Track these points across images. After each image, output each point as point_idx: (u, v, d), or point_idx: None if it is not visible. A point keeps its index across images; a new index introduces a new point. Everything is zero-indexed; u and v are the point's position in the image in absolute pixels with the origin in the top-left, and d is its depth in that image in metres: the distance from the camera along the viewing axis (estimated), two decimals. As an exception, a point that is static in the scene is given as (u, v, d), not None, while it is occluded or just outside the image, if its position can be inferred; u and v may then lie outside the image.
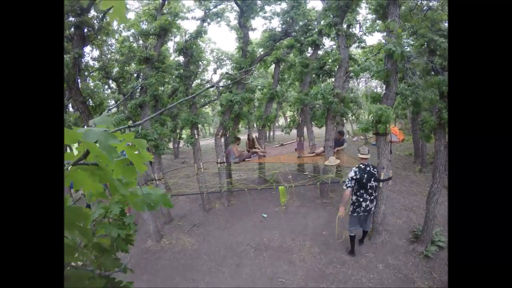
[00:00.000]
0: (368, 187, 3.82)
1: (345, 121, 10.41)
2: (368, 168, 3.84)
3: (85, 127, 0.73)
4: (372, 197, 3.88)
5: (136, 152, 0.78)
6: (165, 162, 11.88)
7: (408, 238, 4.43)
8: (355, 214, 3.92)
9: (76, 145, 0.76)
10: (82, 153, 0.71)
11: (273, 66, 7.84)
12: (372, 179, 3.84)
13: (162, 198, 0.97)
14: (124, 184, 0.81)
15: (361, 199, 3.85)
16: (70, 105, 6.22)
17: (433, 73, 3.81)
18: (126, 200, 0.80)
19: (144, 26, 6.67)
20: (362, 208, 3.87)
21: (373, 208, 3.96)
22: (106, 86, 9.75)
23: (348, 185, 3.78)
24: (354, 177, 3.78)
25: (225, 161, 6.57)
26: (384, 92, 4.14)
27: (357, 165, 3.93)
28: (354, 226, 4.04)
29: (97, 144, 0.65)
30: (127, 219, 1.14)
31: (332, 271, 3.87)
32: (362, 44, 7.67)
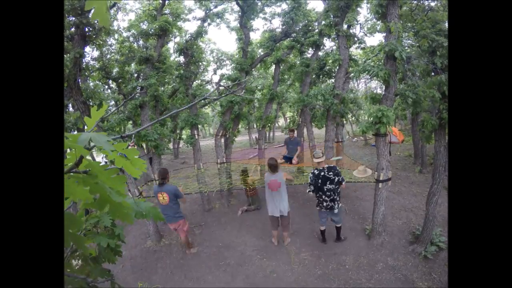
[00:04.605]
0: (325, 189, 3.99)
1: (345, 122, 10.41)
2: (322, 173, 3.96)
3: (85, 127, 0.72)
4: (331, 198, 4.02)
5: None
6: (165, 162, 11.88)
7: (407, 238, 4.43)
8: (319, 209, 4.22)
9: (68, 150, 0.76)
10: (75, 161, 0.70)
11: (273, 66, 7.84)
12: (328, 183, 3.95)
13: (153, 211, 0.96)
14: (117, 193, 0.80)
15: (321, 199, 4.11)
16: (70, 105, 6.20)
17: (433, 74, 3.81)
18: (117, 210, 0.78)
19: (144, 26, 6.68)
20: (323, 206, 4.10)
21: (336, 206, 4.07)
22: (106, 86, 9.75)
23: (308, 189, 4.15)
24: (311, 183, 4.04)
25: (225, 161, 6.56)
26: (383, 93, 4.14)
27: (311, 171, 4.13)
28: (322, 220, 4.33)
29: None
30: (116, 229, 1.13)
31: (332, 271, 3.87)
32: (362, 45, 7.66)
